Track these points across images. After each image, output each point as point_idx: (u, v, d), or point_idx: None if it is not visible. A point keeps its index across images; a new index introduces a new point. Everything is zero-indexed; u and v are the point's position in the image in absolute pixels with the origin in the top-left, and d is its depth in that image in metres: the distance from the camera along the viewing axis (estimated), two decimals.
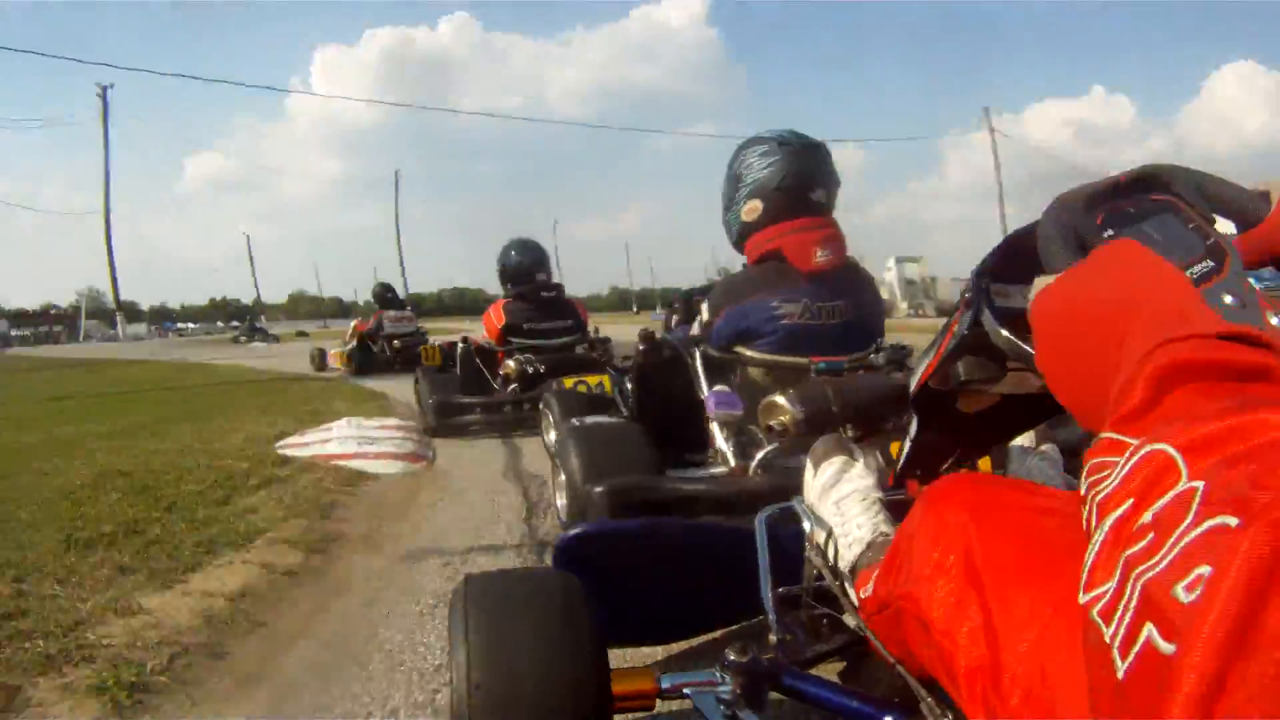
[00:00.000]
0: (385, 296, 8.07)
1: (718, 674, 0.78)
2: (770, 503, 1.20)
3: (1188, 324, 0.39)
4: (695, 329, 2.18)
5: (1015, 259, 0.60)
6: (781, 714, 0.94)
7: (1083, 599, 0.35)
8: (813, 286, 1.95)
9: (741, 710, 0.76)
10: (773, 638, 0.88)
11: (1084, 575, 0.36)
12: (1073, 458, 1.16)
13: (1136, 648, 0.29)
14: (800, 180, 1.95)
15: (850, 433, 1.01)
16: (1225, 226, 0.56)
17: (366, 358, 7.57)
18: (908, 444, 0.80)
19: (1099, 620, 0.33)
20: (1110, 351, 0.42)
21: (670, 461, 1.97)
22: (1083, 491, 0.39)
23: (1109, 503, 0.36)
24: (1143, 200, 0.56)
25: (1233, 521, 0.28)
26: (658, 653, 1.25)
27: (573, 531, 1.01)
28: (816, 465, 1.04)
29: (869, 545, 0.87)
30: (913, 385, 0.73)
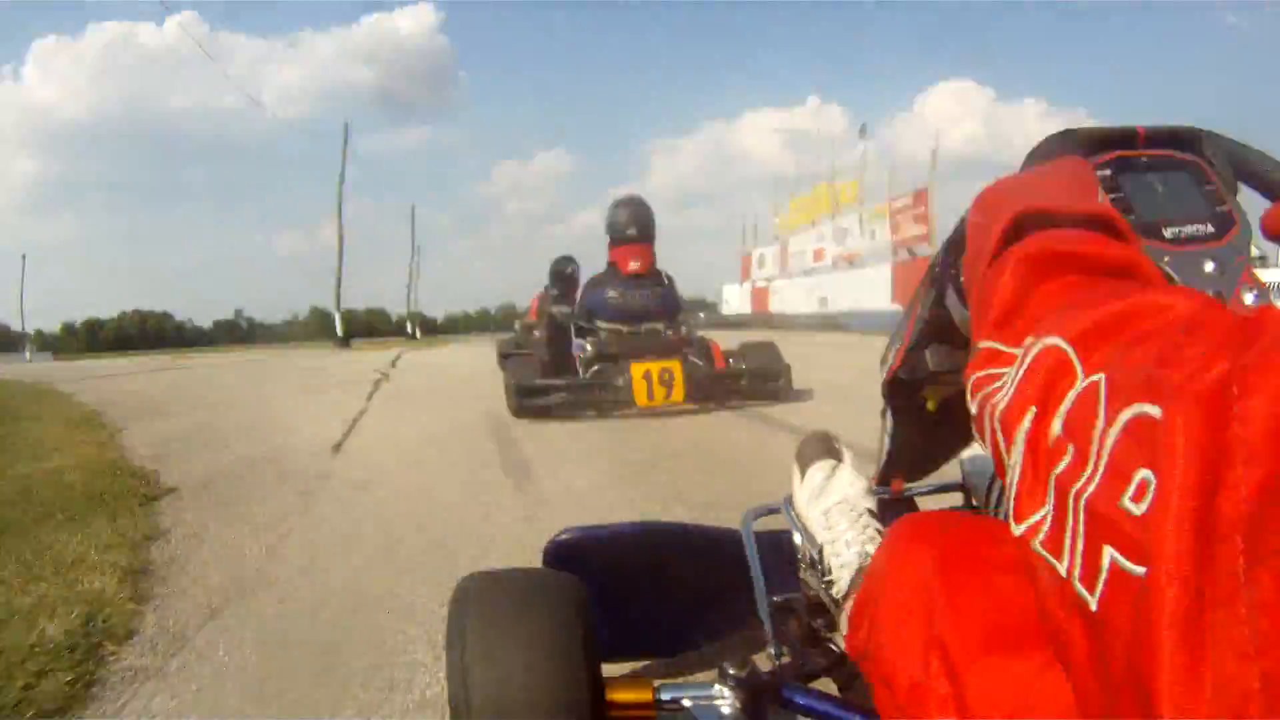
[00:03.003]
0: None
1: (717, 688, 0.75)
2: (596, 385, 3.85)
3: (1045, 197, 0.38)
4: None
5: None
6: None
7: (1017, 530, 0.33)
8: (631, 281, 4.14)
9: None
10: (770, 649, 0.85)
11: (1010, 504, 0.33)
12: None
13: (1103, 576, 0.27)
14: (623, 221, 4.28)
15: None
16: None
17: None
18: (886, 441, 0.75)
19: (1045, 553, 0.31)
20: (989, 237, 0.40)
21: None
22: (974, 410, 0.36)
23: (1011, 414, 0.33)
24: (1162, 156, 0.52)
25: (1153, 410, 0.26)
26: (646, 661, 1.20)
27: (564, 533, 0.96)
28: (803, 469, 0.97)
29: (857, 570, 0.82)
30: (883, 377, 0.67)
